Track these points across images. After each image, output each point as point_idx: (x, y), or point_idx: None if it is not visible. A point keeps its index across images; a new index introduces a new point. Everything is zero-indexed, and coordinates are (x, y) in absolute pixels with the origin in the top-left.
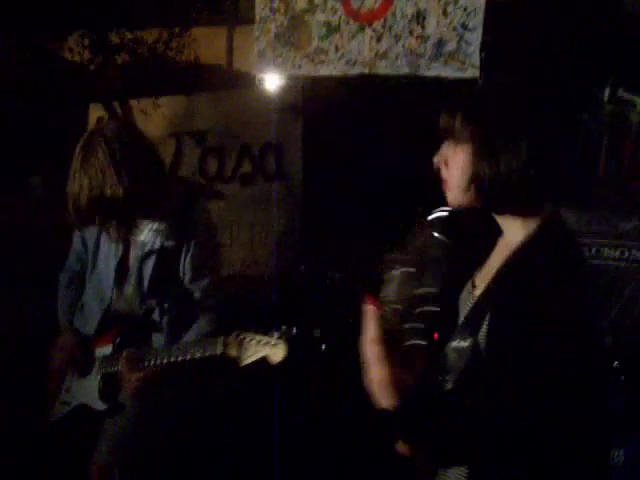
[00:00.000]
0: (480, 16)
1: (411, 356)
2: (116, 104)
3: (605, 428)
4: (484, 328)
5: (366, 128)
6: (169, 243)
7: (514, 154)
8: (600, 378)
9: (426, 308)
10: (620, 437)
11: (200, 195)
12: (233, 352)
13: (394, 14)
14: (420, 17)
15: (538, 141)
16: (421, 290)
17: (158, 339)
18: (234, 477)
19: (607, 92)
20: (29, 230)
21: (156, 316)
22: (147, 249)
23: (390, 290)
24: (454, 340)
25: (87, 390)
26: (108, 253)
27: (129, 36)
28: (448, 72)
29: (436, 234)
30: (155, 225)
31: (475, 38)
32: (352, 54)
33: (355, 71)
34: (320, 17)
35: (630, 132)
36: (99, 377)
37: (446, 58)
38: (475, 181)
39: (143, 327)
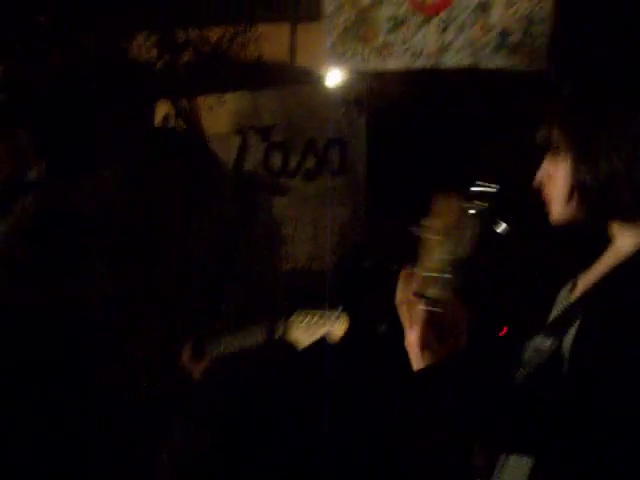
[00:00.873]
0: (549, 7)
1: (455, 327)
2: (183, 101)
3: None
4: (572, 332)
5: (431, 124)
6: (230, 236)
7: (615, 157)
8: None
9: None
10: None
11: (263, 190)
12: (295, 334)
13: (459, 4)
14: (485, 7)
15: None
16: (447, 256)
17: (221, 330)
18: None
19: None
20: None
21: (222, 308)
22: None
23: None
24: (538, 336)
25: None
26: None
27: (194, 34)
28: (512, 63)
29: (468, 205)
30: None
31: (542, 29)
32: (417, 47)
33: (420, 64)
34: (387, 11)
35: None
36: None
37: (510, 49)
38: (577, 189)
39: (208, 319)
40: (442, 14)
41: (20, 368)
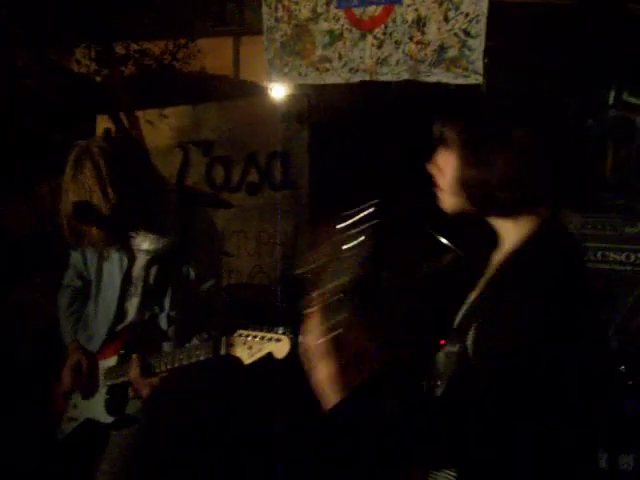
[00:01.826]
0: (483, 22)
1: (363, 355)
2: (123, 115)
3: (591, 437)
4: (471, 334)
5: (372, 135)
6: (172, 250)
7: (499, 161)
8: (591, 386)
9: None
10: (629, 442)
11: (205, 203)
12: (237, 351)
13: (394, 20)
14: (420, 23)
15: (525, 145)
16: (333, 283)
17: (165, 347)
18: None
19: (612, 96)
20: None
21: (162, 324)
22: (151, 257)
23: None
24: (447, 345)
25: (93, 404)
26: (112, 267)
27: (135, 47)
28: (450, 78)
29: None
30: (157, 233)
31: (478, 44)
32: (354, 61)
33: (357, 78)
34: (323, 25)
35: (635, 136)
36: (105, 390)
37: (448, 64)
38: (462, 184)
39: (149, 336)
40: (378, 30)
41: None
